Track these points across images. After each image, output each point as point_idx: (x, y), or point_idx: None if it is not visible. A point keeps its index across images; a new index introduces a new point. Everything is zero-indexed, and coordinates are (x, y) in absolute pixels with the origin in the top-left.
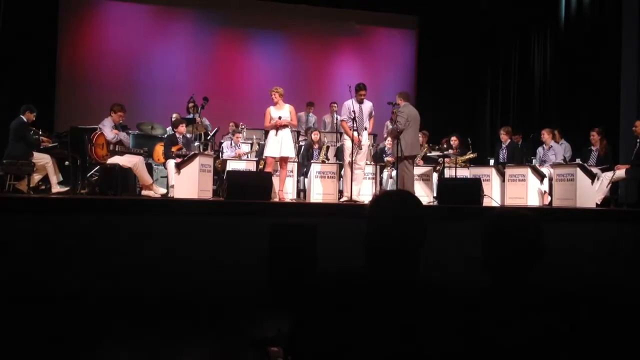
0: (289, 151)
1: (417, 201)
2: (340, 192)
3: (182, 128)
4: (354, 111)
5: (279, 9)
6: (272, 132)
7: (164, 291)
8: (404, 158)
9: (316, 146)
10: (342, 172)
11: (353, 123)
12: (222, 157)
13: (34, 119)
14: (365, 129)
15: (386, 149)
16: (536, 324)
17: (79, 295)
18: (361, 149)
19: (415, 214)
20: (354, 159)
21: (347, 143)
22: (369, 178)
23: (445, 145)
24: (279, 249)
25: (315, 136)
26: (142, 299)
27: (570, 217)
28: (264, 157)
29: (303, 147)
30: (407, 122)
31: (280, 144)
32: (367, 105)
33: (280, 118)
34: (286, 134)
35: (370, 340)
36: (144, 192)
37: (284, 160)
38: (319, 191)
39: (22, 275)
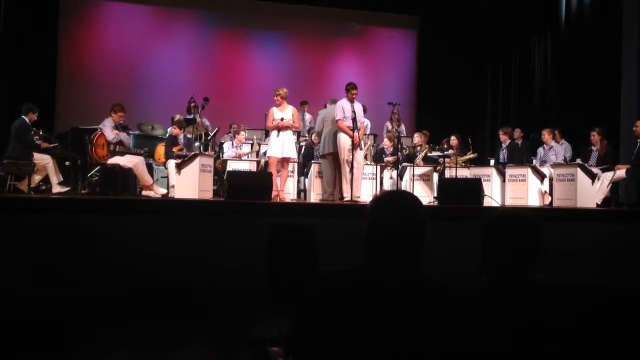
0: (291, 152)
1: (417, 201)
2: (340, 193)
3: (175, 129)
4: (353, 111)
5: (279, 9)
6: (274, 133)
7: (164, 291)
8: (325, 155)
9: (316, 147)
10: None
11: (353, 123)
12: (222, 157)
13: (35, 119)
14: (358, 129)
15: (385, 148)
16: (535, 324)
17: (78, 295)
18: (361, 148)
19: (415, 214)
20: (354, 157)
21: (344, 140)
22: (368, 178)
23: (445, 146)
24: (278, 249)
25: (315, 138)
26: (141, 299)
27: (570, 217)
28: (266, 157)
29: (303, 147)
30: (322, 122)
31: (282, 145)
32: (358, 106)
33: (282, 119)
34: (288, 135)
35: (370, 340)
36: (144, 193)
37: (285, 161)
38: (319, 191)
39: (22, 275)
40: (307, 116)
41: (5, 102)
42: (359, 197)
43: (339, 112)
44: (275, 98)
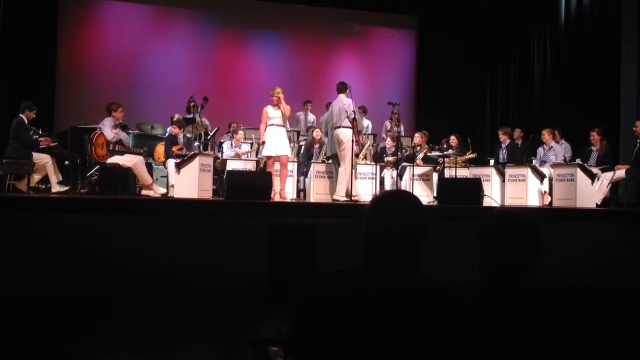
0: (285, 150)
1: (417, 201)
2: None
3: (175, 129)
4: (354, 111)
5: (278, 9)
6: (267, 132)
7: (163, 291)
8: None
9: (316, 145)
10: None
11: (354, 122)
12: (222, 157)
13: (34, 116)
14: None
15: (387, 148)
16: (535, 324)
17: (78, 294)
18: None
19: (414, 214)
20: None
21: (350, 138)
22: (368, 178)
23: (445, 146)
24: (278, 249)
25: (316, 135)
26: (141, 298)
27: (570, 218)
28: (259, 157)
29: (303, 146)
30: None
31: (276, 143)
32: None
33: (276, 118)
34: (281, 133)
35: (369, 341)
36: (143, 192)
37: (282, 159)
38: (319, 191)
39: (22, 275)
40: (311, 116)
41: (5, 102)
42: (356, 195)
43: (351, 109)
44: (274, 97)
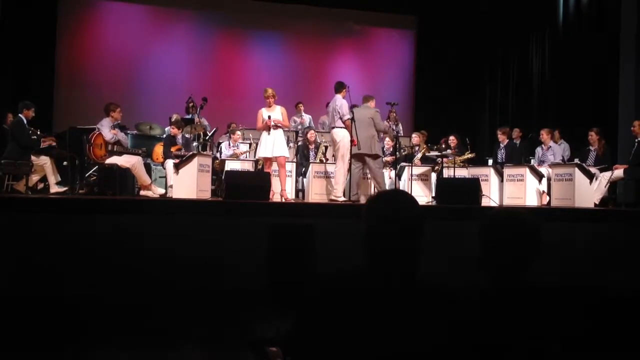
0: (282, 151)
1: (413, 201)
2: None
3: (173, 129)
4: (352, 111)
5: (278, 9)
6: (264, 133)
7: (163, 291)
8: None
9: (312, 146)
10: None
11: (352, 123)
12: (220, 157)
13: (33, 114)
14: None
15: (385, 149)
16: (533, 324)
17: (78, 296)
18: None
19: (411, 213)
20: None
21: (347, 141)
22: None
23: (443, 145)
24: (278, 249)
25: (310, 136)
26: (140, 298)
27: (568, 217)
28: (255, 157)
29: (299, 147)
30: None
31: (273, 144)
32: None
33: (270, 117)
34: (278, 134)
35: (369, 340)
36: (142, 192)
37: (280, 160)
38: (318, 191)
39: (21, 276)
40: (306, 116)
41: (4, 102)
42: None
43: (347, 111)
44: (269, 100)
